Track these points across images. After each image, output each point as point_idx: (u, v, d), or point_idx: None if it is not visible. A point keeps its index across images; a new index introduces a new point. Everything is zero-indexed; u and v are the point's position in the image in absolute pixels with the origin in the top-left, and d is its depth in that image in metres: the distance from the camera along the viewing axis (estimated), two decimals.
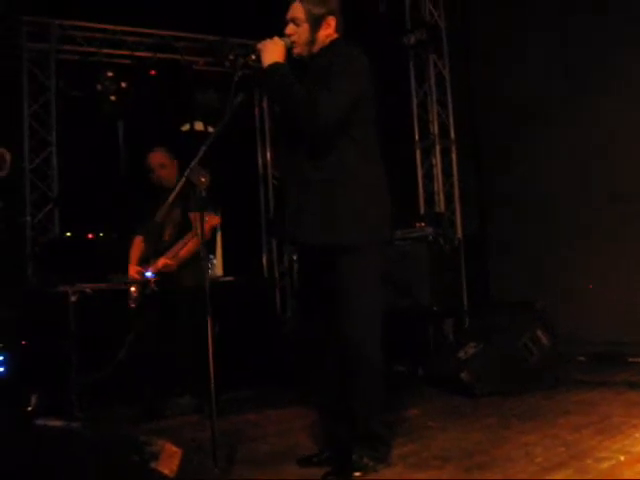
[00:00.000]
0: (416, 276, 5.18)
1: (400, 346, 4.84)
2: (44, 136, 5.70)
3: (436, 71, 6.10)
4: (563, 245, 5.37)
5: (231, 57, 6.03)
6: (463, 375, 4.06)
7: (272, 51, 2.64)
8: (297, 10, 2.71)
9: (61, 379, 4.06)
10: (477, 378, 4.03)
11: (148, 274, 4.02)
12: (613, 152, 5.08)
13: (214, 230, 4.31)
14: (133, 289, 4.10)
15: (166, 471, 2.41)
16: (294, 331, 5.92)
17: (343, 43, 2.76)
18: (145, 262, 4.18)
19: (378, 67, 2.77)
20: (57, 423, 2.74)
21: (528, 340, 4.17)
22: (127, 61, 6.06)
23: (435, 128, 6.09)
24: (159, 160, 4.22)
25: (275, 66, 2.62)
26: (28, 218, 5.51)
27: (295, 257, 6.06)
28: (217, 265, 5.96)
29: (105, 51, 5.97)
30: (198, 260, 3.67)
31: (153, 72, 6.14)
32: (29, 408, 3.87)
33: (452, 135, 6.09)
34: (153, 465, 2.41)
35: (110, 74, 5.82)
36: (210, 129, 6.37)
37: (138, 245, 4.30)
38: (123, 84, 5.85)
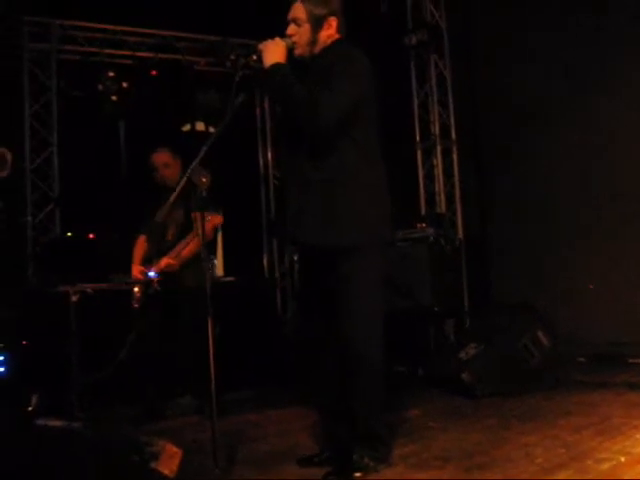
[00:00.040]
0: (417, 277, 5.18)
1: (401, 346, 4.84)
2: (45, 136, 5.71)
3: (437, 71, 6.10)
4: (563, 245, 5.37)
5: (232, 57, 6.01)
6: (464, 376, 4.06)
7: (273, 51, 2.64)
8: (298, 10, 2.71)
9: (62, 379, 4.06)
10: (478, 379, 4.03)
11: (151, 274, 4.02)
12: (613, 152, 5.08)
13: (216, 229, 4.31)
14: (136, 289, 4.10)
15: (166, 471, 2.42)
16: (295, 331, 5.92)
17: (344, 43, 2.76)
18: (148, 262, 4.18)
19: (379, 67, 2.77)
20: (58, 423, 2.74)
21: (528, 341, 4.17)
22: (128, 61, 6.07)
23: (436, 129, 6.09)
24: (163, 159, 4.23)
25: (276, 66, 2.62)
26: (29, 218, 5.52)
27: (296, 257, 6.06)
28: (218, 265, 5.96)
29: (106, 51, 5.97)
30: (199, 260, 3.67)
31: (154, 72, 6.14)
32: (30, 408, 3.87)
33: (453, 136, 6.10)
34: (153, 465, 2.41)
35: (111, 74, 5.82)
36: (211, 129, 6.38)
37: (141, 245, 4.31)
38: (124, 84, 5.85)
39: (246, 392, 4.64)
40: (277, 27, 2.75)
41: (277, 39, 2.68)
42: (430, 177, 6.17)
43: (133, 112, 5.99)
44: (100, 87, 5.79)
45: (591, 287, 5.16)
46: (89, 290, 4.10)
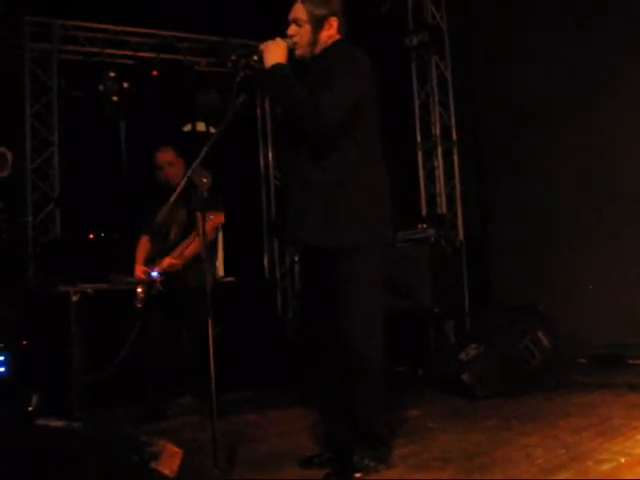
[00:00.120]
0: (417, 277, 5.18)
1: (401, 347, 4.83)
2: (46, 136, 5.71)
3: (438, 72, 6.10)
4: (563, 245, 5.37)
5: (233, 58, 5.97)
6: (464, 376, 4.06)
7: (274, 52, 2.64)
8: (299, 11, 2.71)
9: (62, 379, 4.06)
10: (478, 380, 4.03)
11: (154, 274, 4.02)
12: (613, 152, 5.08)
13: (217, 229, 4.31)
14: (139, 289, 4.10)
15: (166, 471, 2.42)
16: (295, 332, 5.92)
17: (345, 44, 2.76)
18: (151, 262, 4.18)
19: (380, 68, 2.77)
20: (58, 423, 2.74)
21: (529, 342, 4.17)
22: (129, 61, 6.07)
23: (437, 130, 6.09)
24: (167, 158, 4.24)
25: (277, 67, 2.62)
26: (29, 218, 5.52)
27: (296, 258, 6.06)
28: (218, 266, 5.96)
29: (107, 51, 5.97)
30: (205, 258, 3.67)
31: (155, 72, 6.14)
32: (30, 408, 3.87)
33: (454, 136, 6.09)
34: (153, 465, 2.41)
35: (112, 74, 5.82)
36: (212, 130, 6.38)
37: (144, 245, 4.31)
38: (125, 84, 5.86)
39: (246, 392, 4.64)
40: (278, 27, 2.76)
41: (278, 39, 2.68)
42: (431, 178, 6.17)
43: (134, 112, 5.99)
44: (101, 87, 5.79)
45: (591, 287, 5.16)
46: (89, 290, 4.09)
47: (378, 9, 5.98)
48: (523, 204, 5.70)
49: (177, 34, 6.26)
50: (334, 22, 2.73)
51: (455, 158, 6.08)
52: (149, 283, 4.05)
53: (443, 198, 6.05)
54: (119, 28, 6.01)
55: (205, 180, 2.73)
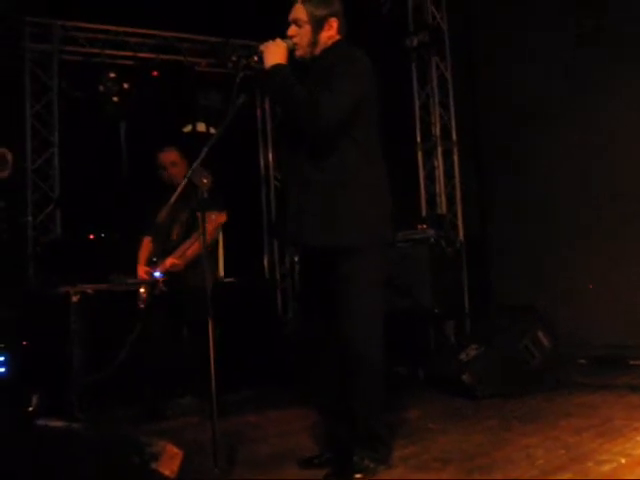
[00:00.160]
0: (417, 278, 5.18)
1: (401, 348, 4.83)
2: (46, 136, 5.71)
3: (438, 73, 6.10)
4: (563, 245, 5.37)
5: (233, 58, 6.02)
6: (464, 377, 4.06)
7: (274, 53, 2.64)
8: (299, 12, 2.71)
9: (62, 380, 4.06)
10: (478, 380, 4.03)
11: (156, 274, 4.02)
12: (613, 152, 5.08)
13: (218, 229, 4.31)
14: (142, 289, 4.10)
15: (167, 472, 2.42)
16: (295, 332, 5.92)
17: (345, 45, 2.76)
18: (153, 262, 4.18)
19: (380, 69, 2.77)
20: (58, 424, 2.74)
21: (529, 342, 4.17)
22: (130, 62, 6.07)
23: (437, 130, 6.09)
24: (171, 158, 4.24)
25: (277, 67, 2.62)
26: (30, 218, 5.51)
27: (296, 258, 6.06)
28: (219, 266, 5.95)
29: (108, 52, 5.97)
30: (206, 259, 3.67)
31: (155, 73, 6.14)
32: (30, 408, 3.87)
33: (454, 137, 6.10)
34: (154, 466, 2.41)
35: (112, 75, 5.82)
36: (212, 130, 6.38)
37: (146, 245, 4.31)
38: (125, 85, 5.86)
39: (246, 393, 4.64)
40: (278, 28, 2.76)
41: (278, 40, 2.68)
42: (431, 178, 6.17)
43: (134, 113, 5.99)
44: (101, 88, 5.79)
45: (591, 287, 5.16)
46: (89, 290, 4.09)
47: (378, 9, 5.98)
48: (523, 204, 5.70)
49: (177, 35, 6.26)
50: (334, 23, 2.73)
51: (455, 158, 6.08)
52: (152, 283, 4.05)
53: (443, 198, 6.05)
54: (119, 29, 6.01)
55: (205, 180, 2.73)
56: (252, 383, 4.77)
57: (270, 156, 6.98)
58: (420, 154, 6.21)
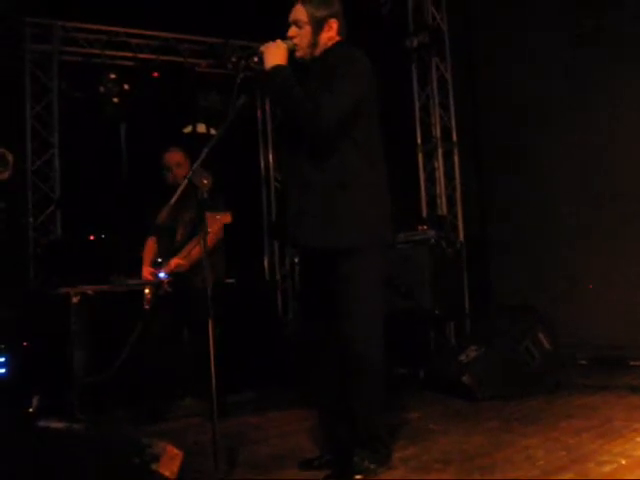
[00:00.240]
0: (418, 279, 5.18)
1: (401, 349, 4.84)
2: (46, 137, 5.71)
3: (438, 74, 6.10)
4: (563, 245, 5.37)
5: (233, 59, 5.98)
6: (465, 378, 4.06)
7: (274, 54, 2.64)
8: (299, 12, 2.71)
9: (62, 381, 4.06)
10: (479, 381, 4.02)
11: (161, 275, 4.02)
12: (613, 152, 5.08)
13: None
14: (147, 290, 4.10)
15: (167, 473, 2.42)
16: (295, 333, 5.92)
17: (345, 46, 2.76)
18: (158, 263, 4.18)
19: (380, 70, 2.78)
20: (58, 424, 2.74)
21: (530, 343, 4.17)
22: (130, 63, 6.07)
23: (437, 131, 6.09)
24: (176, 159, 4.22)
25: (277, 68, 2.62)
26: (30, 219, 5.52)
27: (296, 260, 6.06)
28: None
29: (108, 53, 5.97)
30: (212, 259, 3.66)
31: (156, 74, 6.14)
32: (30, 409, 3.87)
33: (454, 138, 6.09)
34: (154, 467, 2.41)
35: (113, 76, 5.82)
36: (212, 131, 6.38)
37: (151, 246, 4.30)
38: (126, 86, 5.86)
39: (247, 394, 4.64)
40: (278, 29, 2.76)
41: (278, 41, 2.68)
42: (431, 179, 6.17)
43: (134, 114, 5.99)
44: (101, 89, 5.80)
45: (591, 287, 5.16)
46: (90, 291, 4.09)
47: (378, 10, 5.98)
48: (523, 204, 5.70)
49: (178, 36, 6.26)
50: (334, 24, 2.73)
51: (455, 159, 6.08)
52: (156, 284, 4.04)
53: (443, 199, 6.05)
54: (120, 30, 6.01)
55: (205, 181, 2.73)
56: (252, 384, 4.76)
57: (270, 157, 6.98)
58: (420, 155, 6.21)
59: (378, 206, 2.73)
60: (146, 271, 4.16)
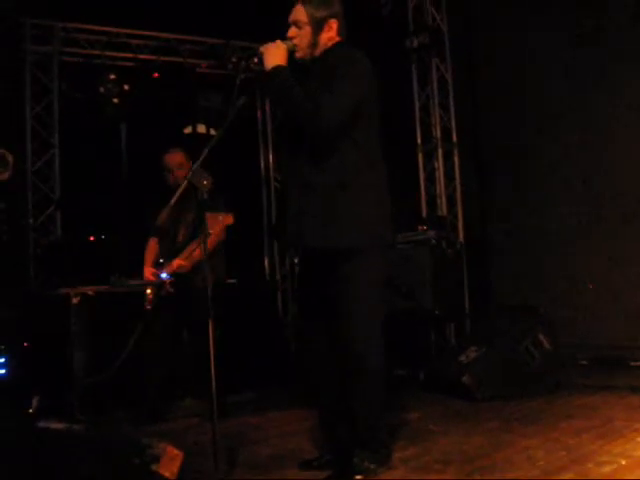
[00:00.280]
0: (418, 279, 5.18)
1: (401, 349, 4.84)
2: (46, 138, 5.71)
3: (438, 74, 6.10)
4: (563, 245, 5.37)
5: (234, 60, 6.04)
6: (465, 379, 4.06)
7: (274, 54, 2.64)
8: (299, 13, 2.71)
9: (63, 381, 4.06)
10: (479, 382, 4.02)
11: (163, 275, 4.02)
12: (613, 152, 5.08)
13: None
14: (148, 291, 4.10)
15: (167, 474, 2.42)
16: (295, 333, 5.92)
17: (345, 46, 2.76)
18: (159, 264, 4.18)
19: (380, 70, 2.77)
20: (59, 425, 2.74)
21: (530, 344, 4.17)
22: (130, 64, 6.07)
23: (437, 131, 6.08)
24: (178, 160, 4.20)
25: (277, 69, 2.62)
26: (30, 220, 5.52)
27: (296, 260, 6.06)
28: None
29: (108, 54, 5.97)
30: (212, 260, 3.66)
31: (156, 75, 6.14)
32: (30, 410, 3.87)
33: (454, 138, 6.09)
34: (154, 468, 2.41)
35: (113, 77, 5.82)
36: (212, 132, 6.38)
37: (153, 247, 4.30)
38: (126, 87, 5.86)
39: (247, 394, 4.64)
40: (278, 30, 2.76)
41: (278, 42, 2.68)
42: (431, 180, 6.17)
43: (134, 114, 5.99)
44: (102, 89, 5.80)
45: (591, 287, 5.16)
46: (90, 292, 4.09)
47: (378, 11, 5.98)
48: (523, 204, 5.70)
49: (178, 36, 6.26)
50: (334, 24, 2.73)
51: (455, 160, 6.08)
52: (158, 285, 4.04)
53: (443, 200, 6.05)
54: (120, 30, 6.01)
55: (205, 182, 2.73)
56: (252, 384, 4.77)
57: (270, 157, 6.98)
58: (420, 155, 6.21)
59: (378, 206, 2.73)
60: (148, 271, 4.16)
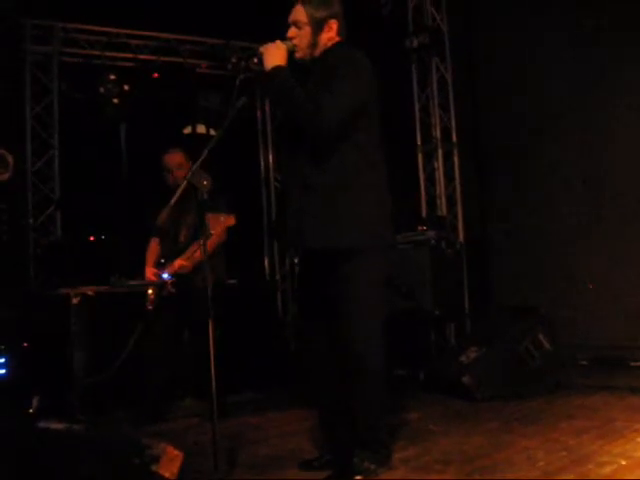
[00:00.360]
0: (418, 280, 5.18)
1: (401, 350, 4.83)
2: (46, 138, 5.71)
3: (438, 75, 6.10)
4: (563, 245, 5.37)
5: (233, 60, 6.04)
6: (465, 379, 4.06)
7: (274, 54, 2.64)
8: (299, 13, 2.71)
9: (63, 381, 4.06)
10: (479, 382, 4.02)
11: (165, 276, 4.02)
12: (613, 152, 5.08)
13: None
14: (150, 291, 4.10)
15: (167, 474, 2.42)
16: (295, 333, 5.92)
17: (345, 46, 2.76)
18: (161, 264, 4.18)
19: (380, 70, 2.77)
20: (59, 425, 2.74)
21: (530, 344, 4.17)
22: (130, 64, 6.07)
23: (437, 132, 6.09)
24: (177, 160, 4.19)
25: (277, 69, 2.62)
26: (30, 220, 5.52)
27: (296, 260, 6.06)
28: None
29: (108, 54, 5.97)
30: (213, 261, 3.66)
31: (156, 75, 6.14)
32: (30, 410, 3.87)
33: (454, 139, 6.09)
34: (154, 468, 2.41)
35: (113, 77, 5.82)
36: (212, 132, 6.38)
37: (154, 247, 4.30)
38: (126, 87, 5.86)
39: (247, 394, 4.64)
40: (278, 30, 2.76)
41: (278, 42, 2.68)
42: (431, 180, 6.17)
43: (134, 115, 5.99)
44: (102, 90, 5.80)
45: (591, 287, 5.16)
46: (90, 292, 4.09)
47: (378, 11, 5.98)
48: (523, 204, 5.70)
49: (178, 37, 6.26)
50: (334, 24, 2.73)
51: (455, 160, 6.08)
52: (160, 285, 4.04)
53: (443, 200, 6.05)
54: (120, 31, 6.01)
55: (205, 182, 2.73)
56: (252, 384, 4.77)
57: (270, 158, 6.98)
58: (420, 156, 6.21)
59: (378, 206, 2.73)
60: (149, 272, 4.16)
